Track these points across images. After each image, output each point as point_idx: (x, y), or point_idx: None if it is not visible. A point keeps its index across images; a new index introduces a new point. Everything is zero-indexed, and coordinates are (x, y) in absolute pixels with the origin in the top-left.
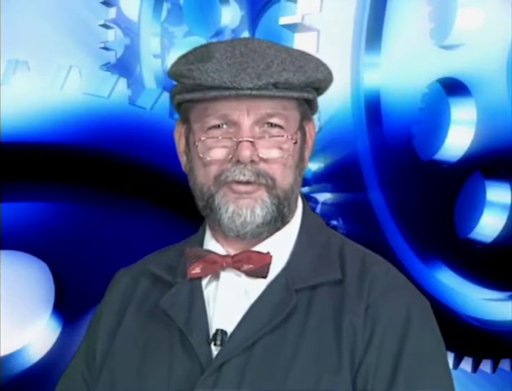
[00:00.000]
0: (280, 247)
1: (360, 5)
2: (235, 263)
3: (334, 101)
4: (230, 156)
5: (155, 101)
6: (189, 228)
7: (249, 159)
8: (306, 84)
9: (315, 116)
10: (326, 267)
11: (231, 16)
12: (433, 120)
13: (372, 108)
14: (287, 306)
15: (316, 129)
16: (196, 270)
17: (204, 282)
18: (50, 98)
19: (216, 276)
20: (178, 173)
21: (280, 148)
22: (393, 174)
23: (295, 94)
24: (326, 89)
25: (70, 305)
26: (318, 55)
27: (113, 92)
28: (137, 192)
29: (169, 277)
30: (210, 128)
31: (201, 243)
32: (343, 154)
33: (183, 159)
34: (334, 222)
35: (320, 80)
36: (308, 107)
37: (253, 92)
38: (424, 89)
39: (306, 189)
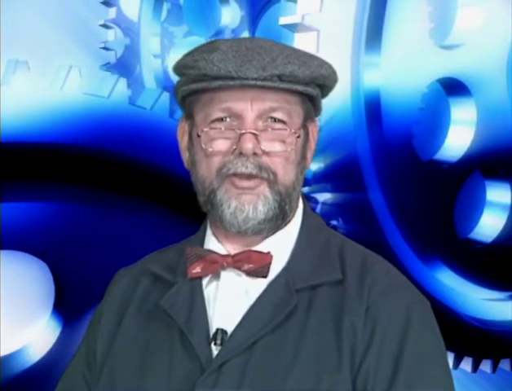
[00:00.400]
0: (281, 246)
1: (360, 5)
2: (235, 263)
3: (334, 101)
4: (233, 148)
5: (155, 101)
6: (189, 228)
7: (252, 151)
8: (310, 79)
9: None
10: (326, 267)
11: (231, 16)
12: (433, 120)
13: (372, 108)
14: (287, 306)
15: None
16: (197, 270)
17: (204, 281)
18: (50, 98)
19: (216, 276)
20: (178, 173)
21: (283, 142)
22: (393, 174)
23: (299, 88)
24: (330, 88)
25: (70, 305)
26: (318, 55)
27: (113, 92)
28: (137, 192)
29: (170, 276)
30: (214, 121)
31: (202, 243)
32: (343, 154)
33: (185, 155)
34: (334, 222)
35: (324, 76)
36: (312, 107)
37: (258, 83)
38: (424, 89)
39: (306, 189)
